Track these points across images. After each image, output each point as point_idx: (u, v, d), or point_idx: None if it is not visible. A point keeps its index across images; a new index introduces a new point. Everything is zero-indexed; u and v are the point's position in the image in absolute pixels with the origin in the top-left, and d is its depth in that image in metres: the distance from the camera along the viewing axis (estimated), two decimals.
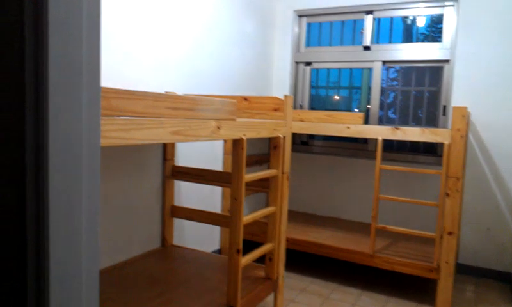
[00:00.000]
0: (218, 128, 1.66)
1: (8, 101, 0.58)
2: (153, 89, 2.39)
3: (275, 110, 2.23)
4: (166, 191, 2.52)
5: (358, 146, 3.64)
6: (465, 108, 2.42)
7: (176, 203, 2.64)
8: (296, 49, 3.84)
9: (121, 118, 1.18)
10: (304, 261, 3.33)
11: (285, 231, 2.33)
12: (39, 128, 0.59)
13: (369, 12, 3.53)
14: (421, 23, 3.48)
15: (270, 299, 2.40)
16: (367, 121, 3.60)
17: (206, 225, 2.85)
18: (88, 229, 0.65)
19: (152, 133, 1.30)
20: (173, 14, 2.52)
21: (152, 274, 2.16)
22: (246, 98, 2.28)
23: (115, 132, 1.14)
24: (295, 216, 3.65)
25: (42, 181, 0.59)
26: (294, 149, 3.84)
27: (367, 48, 3.56)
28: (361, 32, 3.60)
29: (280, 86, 3.85)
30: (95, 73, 0.66)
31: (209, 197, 2.99)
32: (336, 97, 3.90)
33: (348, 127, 2.82)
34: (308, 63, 3.82)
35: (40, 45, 0.58)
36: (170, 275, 2.17)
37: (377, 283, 2.97)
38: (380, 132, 2.70)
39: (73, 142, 0.63)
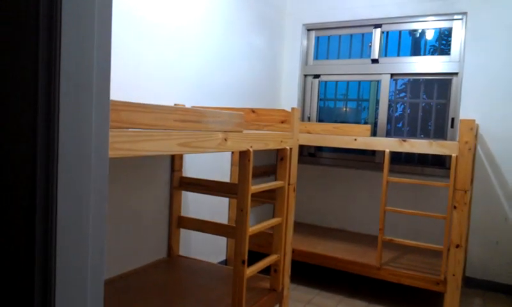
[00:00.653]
0: (225, 140, 1.69)
1: (20, 113, 0.61)
2: (163, 101, 2.44)
3: (282, 122, 2.26)
4: (173, 202, 2.55)
5: (366, 158, 3.64)
6: (473, 120, 2.43)
7: (184, 213, 2.67)
8: (305, 62, 3.87)
9: (131, 130, 1.21)
10: (311, 273, 3.32)
11: (291, 242, 2.34)
12: (49, 139, 0.62)
13: (378, 26, 3.55)
14: (430, 36, 3.50)
15: None
16: (375, 134, 3.61)
17: (213, 236, 2.87)
18: (95, 239, 0.67)
19: (160, 145, 1.33)
20: (183, 28, 2.57)
21: (157, 284, 2.19)
22: (253, 111, 2.31)
23: (124, 143, 1.17)
24: (302, 228, 3.65)
25: (52, 191, 0.61)
26: (302, 161, 3.86)
27: (375, 61, 3.58)
28: (370, 46, 3.62)
29: (288, 98, 3.88)
30: (105, 87, 0.69)
31: (216, 208, 3.01)
32: (345, 109, 3.91)
33: (355, 139, 2.84)
34: (317, 76, 3.85)
35: (52, 59, 0.61)
36: (176, 286, 2.19)
37: (383, 295, 2.95)
38: (387, 144, 2.70)
39: (82, 154, 0.65)
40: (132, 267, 2.33)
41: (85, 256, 0.66)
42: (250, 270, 1.92)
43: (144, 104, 1.27)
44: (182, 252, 2.68)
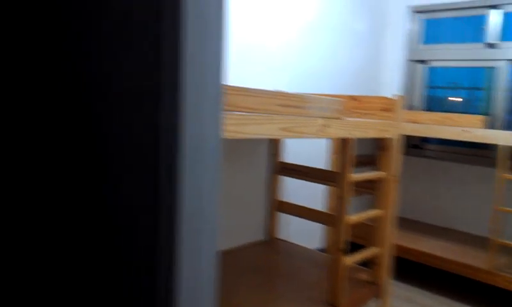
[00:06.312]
0: (325, 126, 1.69)
1: (149, 97, 0.68)
2: (265, 88, 2.50)
3: (384, 110, 2.17)
4: (272, 186, 2.62)
5: (478, 153, 3.33)
6: None
7: (281, 197, 2.72)
8: (410, 47, 3.66)
9: (236, 113, 1.27)
10: (412, 270, 3.16)
11: (392, 236, 2.26)
12: (174, 118, 0.68)
13: (493, 6, 3.21)
14: None
15: (372, 304, 2.35)
16: (491, 126, 3.28)
17: (307, 222, 2.88)
18: (210, 213, 0.73)
19: (262, 129, 1.38)
20: (283, 15, 2.60)
21: (254, 264, 2.27)
22: (354, 98, 2.26)
23: (231, 126, 1.24)
24: (404, 223, 3.49)
25: (175, 170, 0.67)
26: (405, 152, 3.67)
27: (490, 45, 3.25)
28: (484, 29, 3.29)
29: (390, 85, 3.71)
30: (219, 74, 0.74)
31: (313, 195, 3.02)
32: (456, 99, 3.62)
33: (466, 131, 2.62)
34: (423, 61, 3.62)
35: (177, 51, 0.67)
36: (272, 267, 2.25)
37: (494, 303, 2.69)
38: (503, 138, 2.45)
39: (201, 134, 0.71)
40: (230, 246, 2.45)
41: (203, 230, 0.72)
42: (349, 260, 1.90)
43: (248, 88, 1.33)
44: (279, 236, 2.74)
